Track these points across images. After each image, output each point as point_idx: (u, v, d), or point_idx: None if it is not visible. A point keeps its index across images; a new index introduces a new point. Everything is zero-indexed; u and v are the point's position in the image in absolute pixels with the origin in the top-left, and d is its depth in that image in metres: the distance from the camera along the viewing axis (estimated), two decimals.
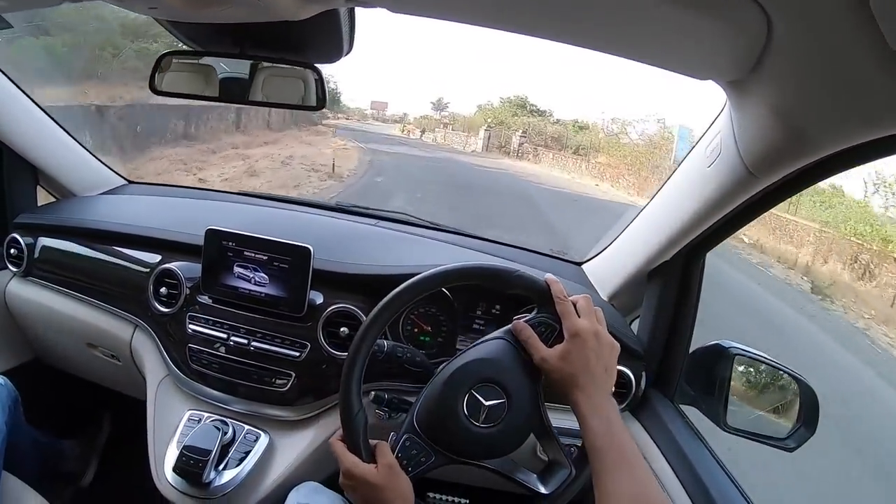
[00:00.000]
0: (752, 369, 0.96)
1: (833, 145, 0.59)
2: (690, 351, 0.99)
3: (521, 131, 21.84)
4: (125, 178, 1.49)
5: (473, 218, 7.63)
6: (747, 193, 0.73)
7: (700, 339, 0.98)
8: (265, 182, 8.87)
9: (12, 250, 1.23)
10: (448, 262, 0.69)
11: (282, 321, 0.99)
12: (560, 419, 0.71)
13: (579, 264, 1.24)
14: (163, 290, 1.04)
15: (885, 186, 9.66)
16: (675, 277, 0.96)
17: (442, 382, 0.65)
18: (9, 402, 1.05)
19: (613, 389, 0.65)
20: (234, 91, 0.91)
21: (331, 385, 0.97)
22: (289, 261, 0.97)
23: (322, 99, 0.88)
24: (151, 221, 1.16)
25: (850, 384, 4.38)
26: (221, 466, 0.91)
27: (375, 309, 0.67)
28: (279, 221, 1.25)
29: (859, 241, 8.36)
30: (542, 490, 0.67)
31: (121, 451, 1.47)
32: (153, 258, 1.09)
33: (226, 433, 0.93)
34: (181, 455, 0.87)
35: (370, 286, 0.97)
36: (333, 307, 0.98)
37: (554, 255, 1.32)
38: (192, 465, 0.86)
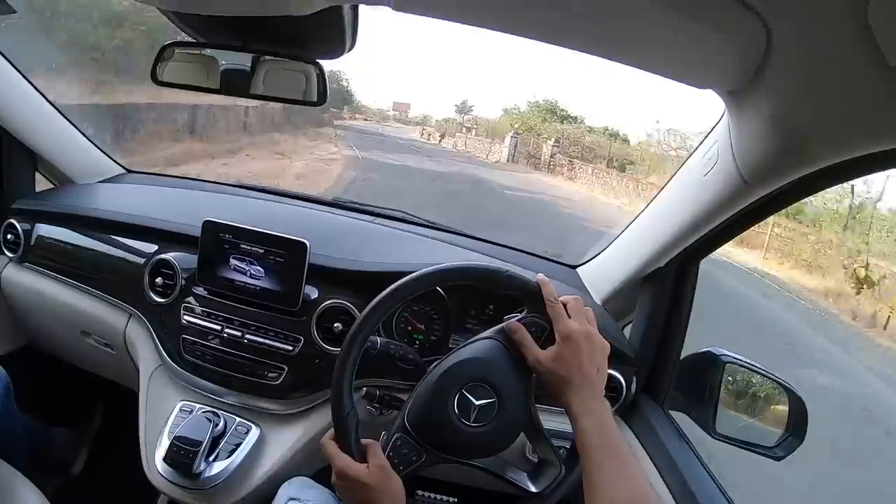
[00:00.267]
0: (742, 377, 0.96)
1: (830, 157, 0.59)
2: (682, 357, 0.99)
3: (553, 140, 18.28)
4: (124, 167, 1.48)
5: None
6: (742, 202, 0.74)
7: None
8: None
9: (9, 236, 1.22)
10: (444, 261, 0.69)
11: (276, 315, 0.99)
12: (550, 421, 0.72)
13: (574, 267, 1.25)
14: (158, 280, 1.04)
15: None
16: (668, 284, 0.96)
17: (433, 382, 0.66)
18: (0, 388, 1.05)
19: (605, 392, 0.66)
20: (235, 83, 0.91)
21: (323, 380, 0.97)
22: (285, 255, 0.97)
23: (323, 94, 0.88)
24: (149, 211, 1.15)
25: None
26: (212, 458, 0.91)
27: (368, 307, 0.67)
28: (277, 215, 1.25)
29: None
30: (533, 489, 0.68)
31: (112, 440, 1.48)
32: (150, 248, 1.09)
33: (217, 425, 0.93)
34: (172, 445, 0.87)
35: (365, 283, 0.97)
36: (328, 302, 0.98)
37: (548, 257, 1.33)
38: (182, 455, 0.86)
